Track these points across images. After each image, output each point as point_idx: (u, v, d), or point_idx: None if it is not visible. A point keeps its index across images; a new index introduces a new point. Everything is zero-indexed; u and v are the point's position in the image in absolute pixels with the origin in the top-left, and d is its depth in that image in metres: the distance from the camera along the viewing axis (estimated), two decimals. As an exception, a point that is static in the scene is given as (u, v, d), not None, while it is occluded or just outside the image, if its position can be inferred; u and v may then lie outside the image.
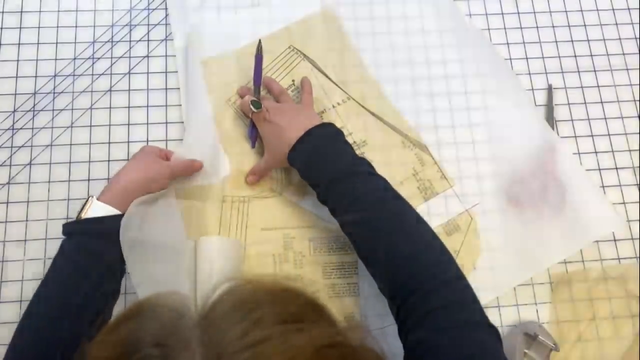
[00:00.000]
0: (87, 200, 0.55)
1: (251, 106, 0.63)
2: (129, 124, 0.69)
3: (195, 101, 0.69)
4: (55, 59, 0.71)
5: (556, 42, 0.76)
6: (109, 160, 0.68)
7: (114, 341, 0.29)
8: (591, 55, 0.76)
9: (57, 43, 0.72)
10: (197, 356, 0.27)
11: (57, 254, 0.54)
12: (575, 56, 0.76)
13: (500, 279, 0.66)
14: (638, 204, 0.70)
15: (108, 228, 0.55)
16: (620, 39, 0.77)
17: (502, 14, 0.77)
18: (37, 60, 0.71)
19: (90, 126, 0.69)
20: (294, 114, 0.63)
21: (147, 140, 0.69)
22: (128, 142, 0.69)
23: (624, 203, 0.70)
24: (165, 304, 0.31)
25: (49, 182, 0.67)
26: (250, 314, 0.29)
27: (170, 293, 0.32)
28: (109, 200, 0.55)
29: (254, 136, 0.68)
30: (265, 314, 0.29)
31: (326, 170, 0.58)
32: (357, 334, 0.30)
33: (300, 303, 0.31)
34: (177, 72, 0.72)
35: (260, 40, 0.67)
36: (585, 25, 0.77)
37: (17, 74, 0.70)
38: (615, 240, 0.69)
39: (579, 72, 0.75)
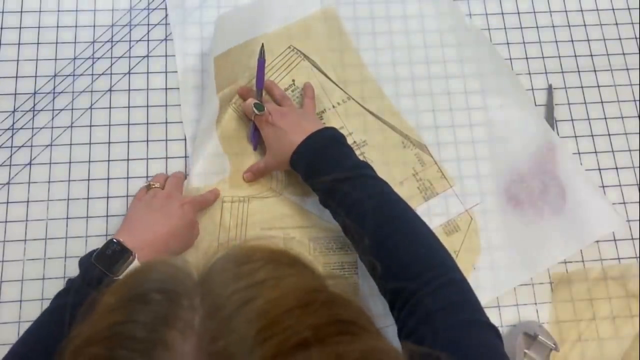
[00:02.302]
0: (128, 257, 0.53)
1: (254, 109, 0.63)
2: (129, 124, 0.69)
3: (208, 100, 0.69)
4: (55, 59, 0.71)
5: (556, 42, 0.76)
6: (108, 160, 0.68)
7: (122, 290, 0.31)
8: (591, 55, 0.76)
9: (57, 43, 0.72)
10: (196, 301, 0.29)
11: (72, 294, 0.52)
12: (575, 56, 0.76)
13: (500, 279, 0.66)
14: (638, 204, 0.70)
15: None
16: (620, 39, 0.77)
17: (502, 14, 0.77)
18: (37, 60, 0.71)
19: (90, 126, 0.69)
20: (296, 118, 0.64)
21: (147, 140, 0.69)
22: (128, 142, 0.69)
23: (624, 203, 0.70)
24: (169, 263, 0.33)
25: (49, 182, 0.67)
26: (245, 265, 0.31)
27: (174, 257, 0.35)
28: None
29: (256, 139, 0.68)
30: (259, 265, 0.31)
31: (327, 174, 0.58)
32: (339, 285, 0.33)
33: (290, 257, 0.33)
34: (177, 72, 0.72)
35: (262, 44, 0.67)
36: (585, 25, 0.77)
37: (17, 74, 0.70)
38: (615, 240, 0.69)
39: (579, 72, 0.75)
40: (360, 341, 0.29)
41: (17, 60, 0.71)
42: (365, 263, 0.56)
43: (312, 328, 0.27)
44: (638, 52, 0.76)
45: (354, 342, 0.29)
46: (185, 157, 0.69)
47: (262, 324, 0.27)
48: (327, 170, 0.58)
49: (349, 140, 0.69)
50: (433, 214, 0.68)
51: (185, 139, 0.69)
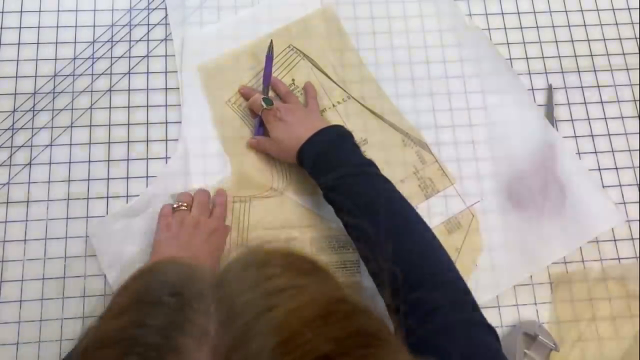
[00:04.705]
0: None
1: (263, 103, 0.64)
2: (128, 124, 0.69)
3: (191, 106, 0.70)
4: (55, 59, 0.71)
5: (556, 42, 0.76)
6: (108, 160, 0.68)
7: (132, 289, 0.30)
8: (591, 55, 0.76)
9: (57, 43, 0.72)
10: (211, 306, 0.28)
11: None
12: (575, 56, 0.76)
13: (501, 277, 0.66)
14: (638, 204, 0.70)
15: None
16: (620, 39, 0.77)
17: (502, 14, 0.77)
18: (37, 60, 0.71)
19: (90, 126, 0.69)
20: (304, 114, 0.64)
21: (147, 140, 0.69)
22: (128, 142, 0.69)
23: (624, 203, 0.70)
24: (181, 262, 0.32)
25: (49, 182, 0.67)
26: (263, 270, 0.30)
27: (185, 256, 0.33)
28: None
29: (260, 134, 0.68)
30: (278, 271, 0.30)
31: (334, 169, 0.58)
32: (361, 296, 0.31)
33: (310, 264, 0.32)
34: (177, 72, 0.72)
35: (271, 41, 0.68)
36: (585, 25, 0.77)
37: (17, 74, 0.70)
38: (615, 240, 0.69)
39: (579, 72, 0.75)
40: (382, 354, 0.28)
41: (17, 60, 0.71)
42: (364, 260, 0.56)
43: (334, 341, 0.26)
44: (638, 52, 0.76)
45: (376, 356, 0.27)
46: (185, 157, 0.69)
47: (281, 337, 0.26)
48: (333, 165, 0.58)
49: (349, 140, 0.69)
50: (434, 212, 0.68)
51: (185, 139, 0.69)
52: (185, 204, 0.62)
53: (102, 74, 0.71)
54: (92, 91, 0.70)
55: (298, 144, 0.61)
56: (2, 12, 0.73)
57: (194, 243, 0.59)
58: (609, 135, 0.73)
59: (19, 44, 0.72)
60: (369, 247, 0.55)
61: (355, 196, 0.56)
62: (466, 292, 0.50)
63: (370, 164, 0.59)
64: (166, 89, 0.71)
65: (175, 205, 0.63)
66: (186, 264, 0.32)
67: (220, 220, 0.63)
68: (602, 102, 0.74)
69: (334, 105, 0.71)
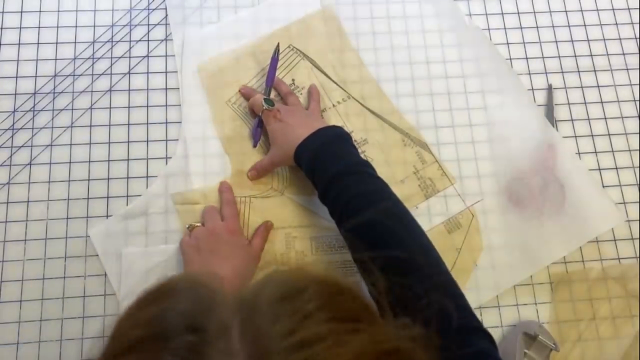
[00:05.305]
0: None
1: (264, 103, 0.64)
2: (129, 124, 0.69)
3: (191, 105, 0.70)
4: (55, 59, 0.71)
5: (556, 42, 0.76)
6: (108, 160, 0.68)
7: (145, 318, 0.26)
8: (591, 55, 0.76)
9: (57, 43, 0.72)
10: (236, 345, 0.24)
11: None
12: (575, 56, 0.76)
13: (501, 277, 0.66)
14: (638, 204, 0.70)
15: None
16: (620, 39, 0.77)
17: (502, 14, 0.77)
18: (37, 60, 0.71)
19: (90, 126, 0.69)
20: (304, 116, 0.65)
21: (147, 140, 0.69)
22: (128, 142, 0.69)
23: (624, 203, 0.70)
24: (199, 283, 0.28)
25: (49, 182, 0.67)
26: (299, 306, 0.26)
27: (202, 272, 0.28)
28: None
29: (258, 135, 0.68)
30: (316, 308, 0.25)
31: (330, 168, 0.58)
32: (412, 339, 0.27)
33: (353, 300, 0.28)
34: (177, 72, 0.72)
35: (278, 44, 0.69)
36: (585, 25, 0.77)
37: (17, 74, 0.70)
38: (615, 240, 0.69)
39: (579, 72, 0.75)
40: None
41: (17, 60, 0.71)
42: (356, 261, 0.55)
43: None
44: (638, 52, 0.76)
45: None
46: (185, 157, 0.69)
47: None
48: (328, 164, 0.58)
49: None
50: (434, 212, 0.68)
51: (185, 139, 0.69)
52: (198, 223, 0.64)
53: (102, 74, 0.71)
54: (92, 91, 0.70)
55: (296, 143, 0.61)
56: (2, 12, 0.73)
57: (218, 250, 0.60)
58: (609, 135, 0.73)
59: (19, 44, 0.72)
60: (359, 249, 0.54)
61: (346, 196, 0.56)
62: (460, 296, 0.50)
63: (366, 164, 0.59)
64: (166, 89, 0.71)
65: (187, 227, 0.64)
66: (205, 285, 0.28)
67: (233, 219, 0.63)
68: (602, 102, 0.74)
69: (334, 105, 0.71)
